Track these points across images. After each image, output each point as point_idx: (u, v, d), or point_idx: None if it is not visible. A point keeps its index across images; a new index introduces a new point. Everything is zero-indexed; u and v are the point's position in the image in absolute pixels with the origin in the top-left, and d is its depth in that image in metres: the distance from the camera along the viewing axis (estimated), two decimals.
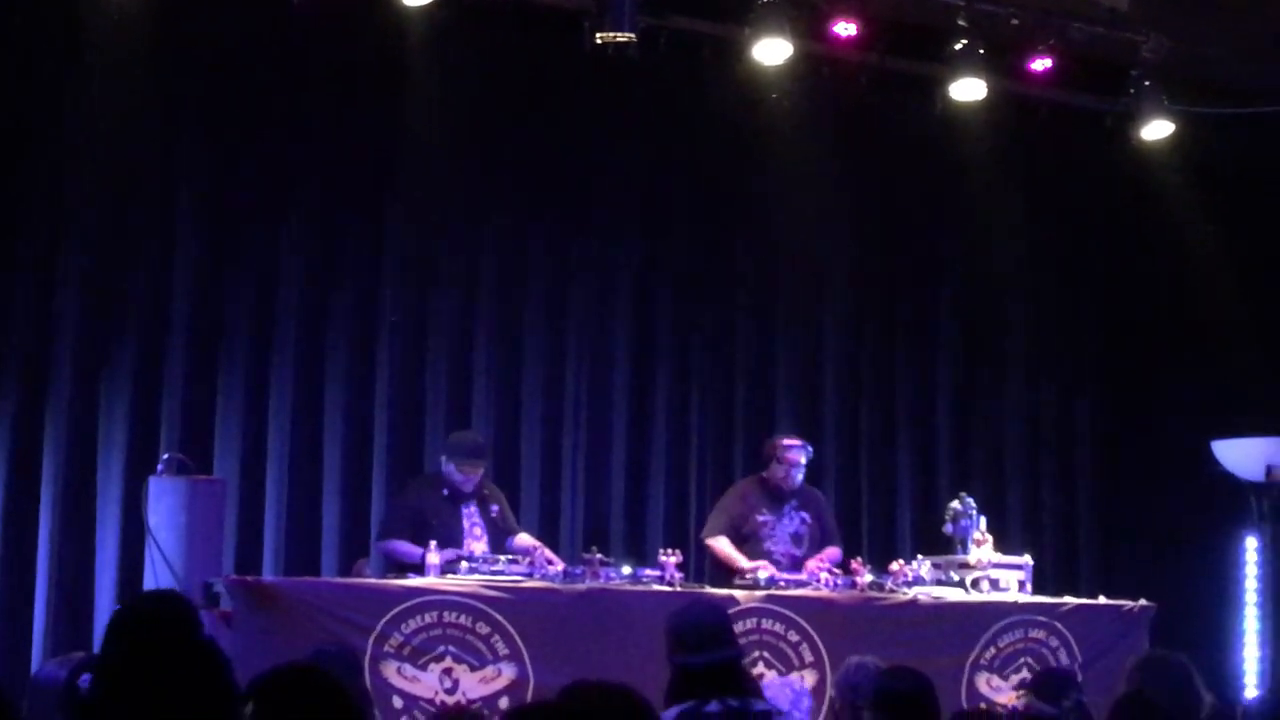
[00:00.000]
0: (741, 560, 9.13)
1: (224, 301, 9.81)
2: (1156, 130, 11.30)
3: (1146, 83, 11.14)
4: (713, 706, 4.97)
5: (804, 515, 9.52)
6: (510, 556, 8.46)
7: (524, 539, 8.91)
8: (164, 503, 7.95)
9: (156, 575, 7.77)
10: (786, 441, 9.55)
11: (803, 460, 9.47)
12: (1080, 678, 8.80)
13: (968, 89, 10.84)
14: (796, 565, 9.26)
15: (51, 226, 9.45)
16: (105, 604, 9.08)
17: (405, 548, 8.58)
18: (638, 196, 11.12)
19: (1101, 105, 11.66)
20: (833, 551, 9.52)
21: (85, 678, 4.82)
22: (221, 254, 9.84)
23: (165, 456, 8.49)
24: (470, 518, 8.91)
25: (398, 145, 10.30)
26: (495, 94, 10.53)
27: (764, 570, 8.88)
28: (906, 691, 5.63)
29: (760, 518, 9.41)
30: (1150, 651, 7.32)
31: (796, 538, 9.46)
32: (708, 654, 5.20)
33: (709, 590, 8.56)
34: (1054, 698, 6.71)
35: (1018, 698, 6.91)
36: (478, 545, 8.73)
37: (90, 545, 9.24)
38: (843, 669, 7.06)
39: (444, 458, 9.02)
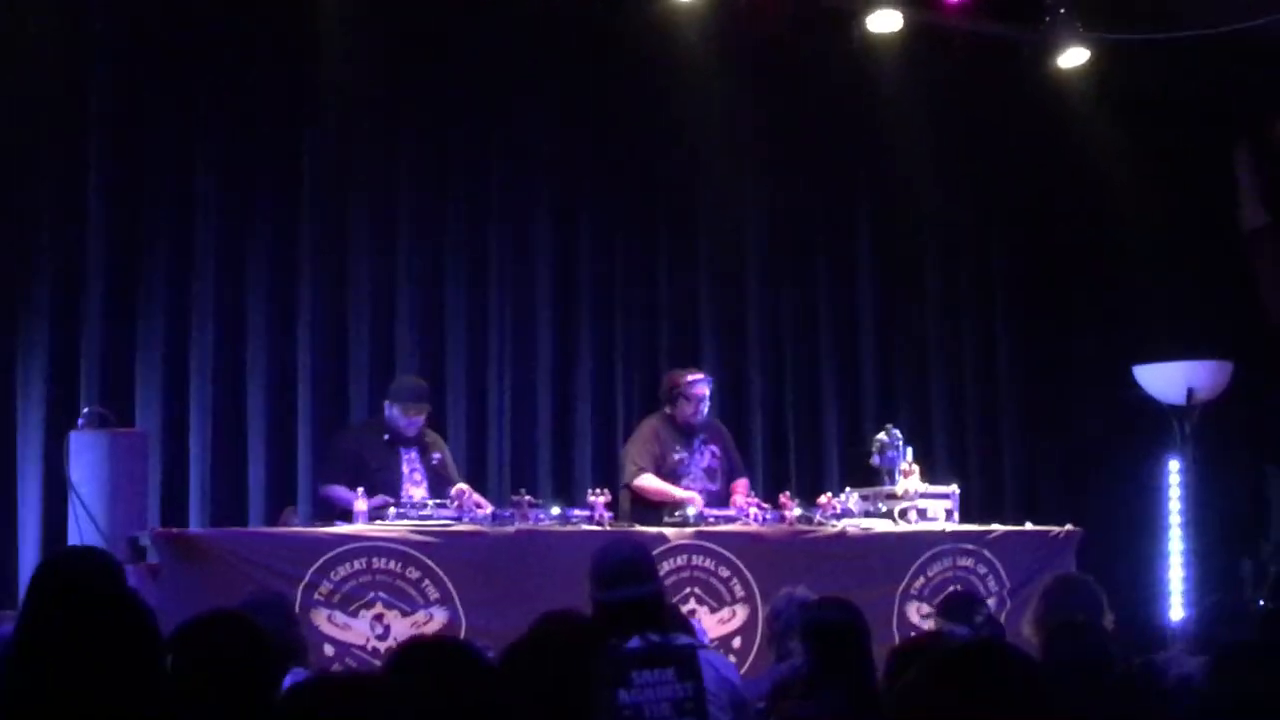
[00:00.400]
0: (675, 491, 9.10)
1: (140, 250, 9.68)
2: (1072, 58, 11.34)
3: (1061, 10, 11.18)
4: (633, 643, 4.91)
5: (713, 449, 9.52)
6: (438, 501, 8.42)
7: (460, 487, 8.89)
8: (85, 457, 7.88)
9: (80, 530, 7.70)
10: (691, 377, 9.49)
11: (707, 393, 9.44)
12: (1008, 603, 8.99)
13: (884, 20, 10.86)
14: (713, 500, 9.25)
15: None
16: (29, 560, 8.97)
17: (341, 493, 8.52)
18: (556, 136, 11.05)
19: (1018, 34, 11.68)
20: (743, 483, 9.55)
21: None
22: (137, 201, 9.71)
23: (85, 410, 8.40)
24: (410, 463, 8.87)
25: (312, 93, 10.19)
26: (408, 38, 10.44)
27: (692, 506, 8.87)
28: (835, 621, 5.64)
29: (676, 455, 9.38)
30: (1062, 574, 7.36)
31: (710, 472, 9.46)
32: (626, 589, 5.15)
33: (637, 529, 8.55)
34: (964, 618, 6.80)
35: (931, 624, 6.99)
36: (416, 490, 8.70)
37: (12, 501, 9.13)
38: (774, 600, 7.10)
39: (387, 402, 8.98)
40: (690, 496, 8.99)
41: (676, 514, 8.85)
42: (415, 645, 3.97)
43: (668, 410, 9.51)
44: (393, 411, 8.88)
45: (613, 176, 11.26)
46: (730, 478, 9.52)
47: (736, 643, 8.51)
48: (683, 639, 5.25)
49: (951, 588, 8.73)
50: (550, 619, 4.45)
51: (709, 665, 5.02)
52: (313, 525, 8.38)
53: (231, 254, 9.96)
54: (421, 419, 8.93)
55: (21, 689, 3.34)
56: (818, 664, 5.52)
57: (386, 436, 8.87)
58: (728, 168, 11.47)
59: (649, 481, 9.27)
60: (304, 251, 10.16)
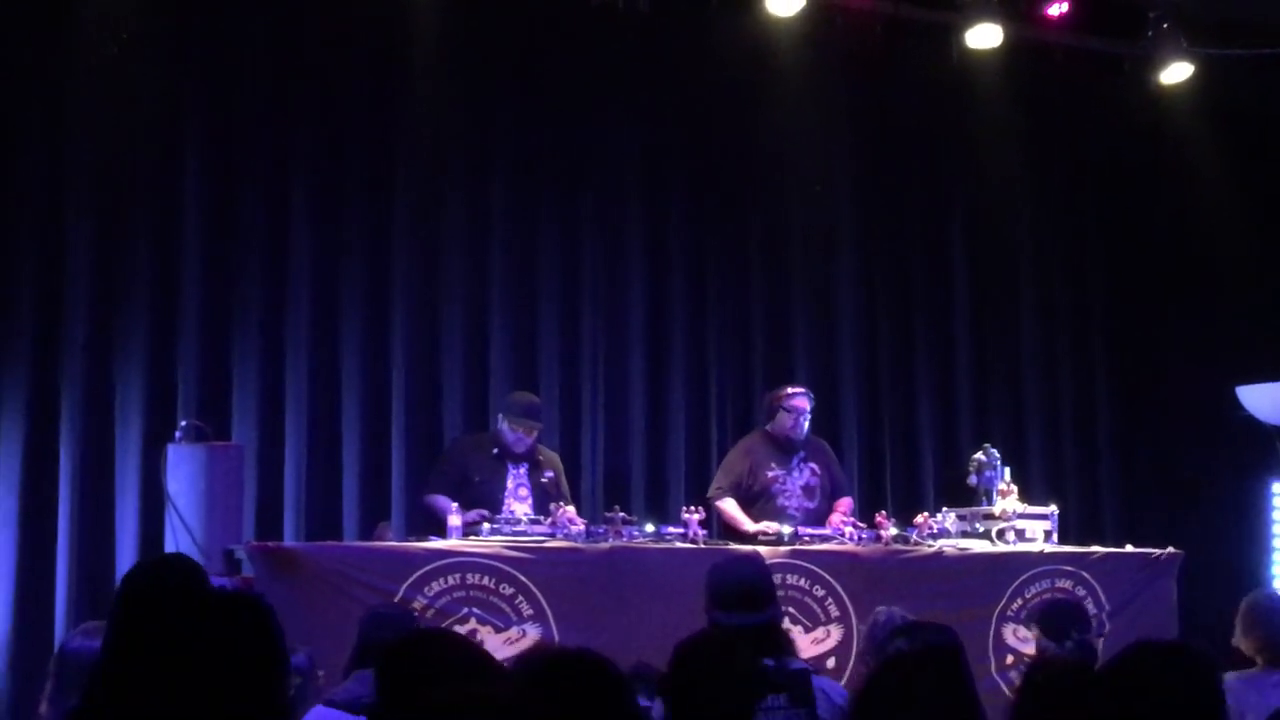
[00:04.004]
0: (747, 523, 9.01)
1: (235, 266, 9.74)
2: (1176, 73, 11.19)
3: (1165, 24, 11.04)
4: None
5: (813, 466, 9.44)
6: (533, 517, 8.40)
7: (558, 505, 8.85)
8: (182, 470, 7.91)
9: (177, 543, 7.73)
10: (790, 390, 9.46)
11: (808, 407, 9.39)
12: (1106, 626, 8.83)
13: (984, 35, 10.75)
14: (810, 518, 9.18)
15: (55, 196, 9.36)
16: (126, 571, 9.02)
17: (442, 502, 8.46)
18: (648, 152, 11.03)
19: (1119, 49, 11.54)
20: (846, 502, 9.47)
21: None
22: (234, 218, 9.77)
23: (183, 423, 8.46)
24: (517, 479, 8.86)
25: (404, 108, 10.24)
26: (501, 51, 10.48)
27: (774, 527, 8.79)
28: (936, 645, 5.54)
29: (770, 473, 9.32)
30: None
31: (809, 490, 9.38)
32: (747, 615, 5.09)
33: (732, 546, 8.48)
34: (1058, 635, 6.70)
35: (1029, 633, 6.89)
36: (519, 506, 8.68)
37: (110, 515, 9.20)
38: (871, 619, 7.01)
39: (499, 415, 8.99)
40: (760, 528, 8.86)
41: (771, 531, 8.78)
42: (550, 660, 3.87)
43: (767, 427, 9.45)
44: (502, 426, 8.90)
45: (705, 193, 11.21)
46: (832, 496, 9.44)
47: (830, 663, 8.42)
48: (797, 664, 5.17)
49: (1055, 598, 8.60)
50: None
51: (821, 692, 4.95)
52: (408, 538, 8.39)
53: (326, 269, 10.00)
54: (531, 437, 8.92)
55: (112, 696, 3.30)
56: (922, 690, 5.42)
57: (496, 450, 8.87)
58: (822, 185, 11.41)
59: (727, 506, 9.22)
60: (398, 267, 10.19)
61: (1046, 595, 8.98)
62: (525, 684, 3.52)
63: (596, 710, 3.43)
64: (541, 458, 9.02)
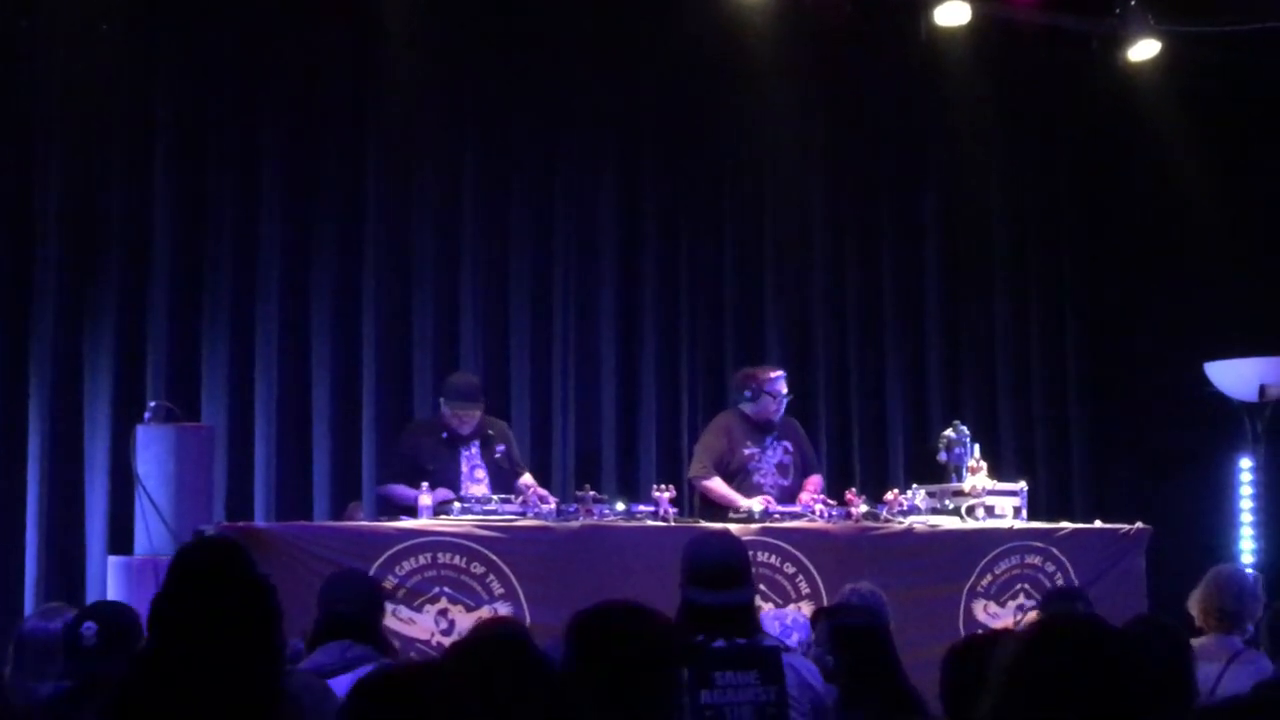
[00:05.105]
0: (738, 498, 9.02)
1: (205, 245, 9.73)
2: (1144, 50, 11.21)
3: (1132, 1, 11.05)
4: (719, 643, 4.85)
5: (786, 444, 9.44)
6: (503, 496, 8.40)
7: (525, 479, 8.85)
8: (152, 451, 7.89)
9: (147, 524, 7.71)
10: (773, 374, 9.43)
11: (785, 390, 9.40)
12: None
13: (952, 13, 10.75)
14: (784, 495, 9.19)
15: (24, 174, 9.34)
16: (96, 553, 9.02)
17: (401, 490, 8.51)
18: (619, 130, 11.04)
19: (1087, 26, 11.55)
20: (816, 479, 9.48)
21: (89, 626, 4.81)
22: (203, 199, 9.75)
23: (152, 404, 8.41)
24: (470, 460, 8.84)
25: (374, 87, 10.21)
26: (472, 27, 10.46)
27: (758, 504, 8.82)
28: (857, 626, 5.58)
29: (746, 451, 9.31)
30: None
31: (782, 468, 9.39)
32: (723, 594, 5.06)
33: (702, 524, 8.49)
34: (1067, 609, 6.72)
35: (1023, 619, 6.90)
36: (477, 488, 8.64)
37: (79, 495, 9.19)
38: (838, 597, 7.04)
39: (441, 400, 8.95)
40: (750, 506, 8.89)
41: (742, 509, 8.80)
42: (479, 643, 3.93)
43: (744, 407, 9.43)
44: (445, 411, 8.87)
45: (677, 170, 11.21)
46: (804, 474, 9.45)
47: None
48: (768, 641, 5.15)
49: (1050, 588, 8.66)
50: (615, 611, 4.28)
51: (791, 669, 4.93)
52: (379, 518, 8.40)
53: (296, 249, 9.99)
54: (474, 418, 8.88)
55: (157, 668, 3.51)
56: (846, 671, 5.43)
57: (445, 435, 8.86)
58: (793, 162, 11.43)
59: (715, 485, 9.20)
60: (368, 246, 10.18)
61: (1017, 571, 9.03)
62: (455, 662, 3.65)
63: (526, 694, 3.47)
64: (492, 431, 8.97)
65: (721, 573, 5.15)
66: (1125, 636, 2.94)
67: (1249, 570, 7.56)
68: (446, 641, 7.57)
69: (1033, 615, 7.09)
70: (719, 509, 9.06)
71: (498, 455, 8.82)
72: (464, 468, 8.81)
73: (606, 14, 10.68)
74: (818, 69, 11.29)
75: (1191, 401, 11.37)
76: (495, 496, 8.36)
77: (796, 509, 8.92)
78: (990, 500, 9.20)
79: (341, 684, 4.46)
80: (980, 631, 8.32)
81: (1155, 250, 12.24)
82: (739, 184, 11.42)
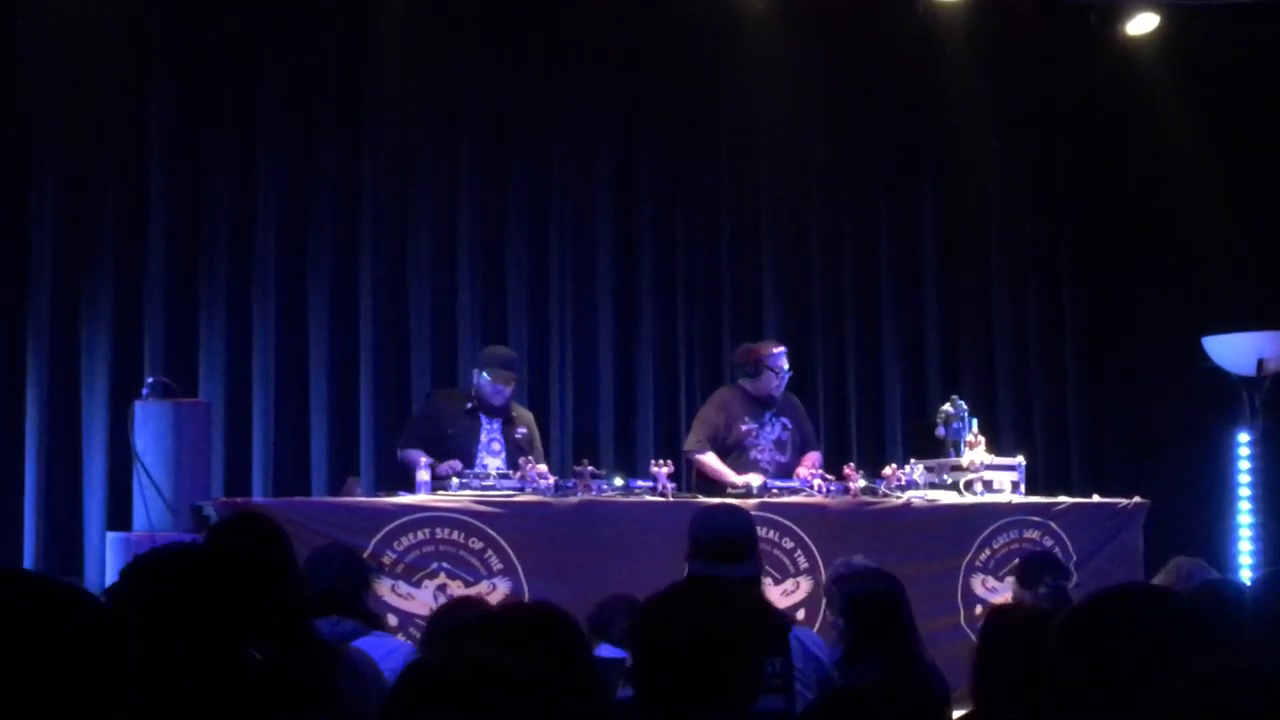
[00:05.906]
0: (731, 475, 9.01)
1: (202, 222, 9.72)
2: (1142, 23, 11.20)
3: None
4: None
5: (784, 420, 9.42)
6: (503, 471, 8.40)
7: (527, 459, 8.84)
8: (150, 427, 7.90)
9: (145, 500, 7.72)
10: (775, 349, 9.41)
11: (786, 365, 9.39)
12: (1074, 576, 8.88)
13: None
14: (782, 471, 9.19)
15: (23, 154, 9.32)
16: (95, 528, 9.03)
17: (414, 456, 8.48)
18: (616, 108, 11.01)
19: None
20: (814, 455, 9.47)
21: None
22: (200, 173, 9.74)
23: (149, 380, 8.41)
24: (491, 433, 8.85)
25: (372, 65, 10.20)
26: (470, 7, 10.47)
27: (755, 479, 8.82)
28: (876, 592, 5.58)
29: (744, 426, 9.29)
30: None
31: (780, 444, 9.37)
32: (729, 568, 5.05)
33: (700, 499, 8.49)
34: (1032, 583, 6.75)
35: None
36: (492, 460, 8.66)
37: (77, 471, 9.20)
38: (832, 568, 7.05)
39: (476, 370, 8.96)
40: (745, 482, 8.89)
41: (739, 485, 8.79)
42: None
43: (745, 382, 9.41)
44: (481, 379, 8.86)
45: (674, 147, 11.19)
46: (802, 450, 9.44)
47: (800, 615, 8.44)
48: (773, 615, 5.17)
49: (1027, 549, 8.67)
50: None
51: (797, 642, 4.95)
52: (377, 493, 8.40)
53: (294, 225, 9.98)
54: (509, 389, 8.88)
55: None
56: (859, 635, 5.44)
57: (470, 405, 8.86)
58: (790, 137, 11.41)
59: (708, 460, 9.18)
60: (365, 223, 10.17)
61: (1015, 545, 9.03)
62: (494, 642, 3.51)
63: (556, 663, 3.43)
64: (515, 414, 9.01)
65: (728, 546, 5.16)
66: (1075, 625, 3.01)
67: (1210, 570, 7.38)
68: None
69: (1011, 584, 7.11)
70: (715, 484, 9.06)
71: (518, 436, 8.84)
72: (483, 438, 8.82)
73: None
74: (816, 44, 11.26)
75: (1189, 376, 11.36)
76: (494, 471, 8.37)
77: (795, 484, 8.92)
78: (988, 475, 9.20)
79: None
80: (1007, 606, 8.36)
81: (1153, 224, 12.20)
82: (735, 160, 11.39)
